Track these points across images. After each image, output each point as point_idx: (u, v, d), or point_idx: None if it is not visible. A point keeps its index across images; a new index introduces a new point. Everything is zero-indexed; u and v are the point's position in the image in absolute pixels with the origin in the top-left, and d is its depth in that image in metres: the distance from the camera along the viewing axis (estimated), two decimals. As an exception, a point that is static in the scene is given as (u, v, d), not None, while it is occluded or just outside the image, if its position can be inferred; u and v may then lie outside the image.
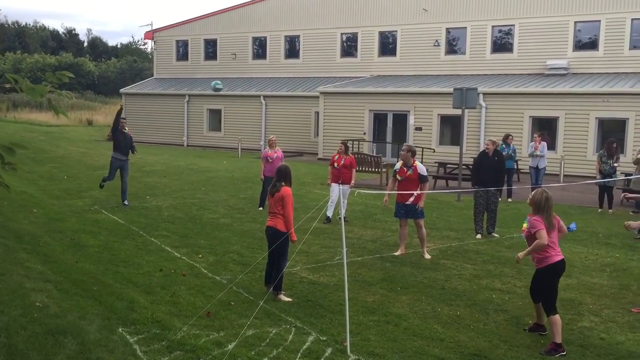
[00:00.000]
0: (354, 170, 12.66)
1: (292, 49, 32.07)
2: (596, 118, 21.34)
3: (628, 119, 20.72)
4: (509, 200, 15.71)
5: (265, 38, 32.56)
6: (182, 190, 16.19)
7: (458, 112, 17.21)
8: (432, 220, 12.51)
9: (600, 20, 24.04)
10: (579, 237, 11.34)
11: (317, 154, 26.85)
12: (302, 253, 9.39)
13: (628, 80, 22.07)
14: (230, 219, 12.51)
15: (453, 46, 27.81)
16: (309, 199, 14.90)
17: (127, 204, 13.46)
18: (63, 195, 14.78)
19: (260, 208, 13.42)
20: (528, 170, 17.25)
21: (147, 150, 27.00)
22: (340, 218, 8.04)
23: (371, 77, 28.65)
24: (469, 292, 7.93)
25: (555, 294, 6.31)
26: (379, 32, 29.22)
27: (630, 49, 23.61)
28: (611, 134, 19.22)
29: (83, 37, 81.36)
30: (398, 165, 9.97)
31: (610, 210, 14.46)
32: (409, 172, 9.66)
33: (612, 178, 14.32)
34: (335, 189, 12.16)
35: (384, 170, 18.58)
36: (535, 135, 17.19)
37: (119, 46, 80.00)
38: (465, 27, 26.91)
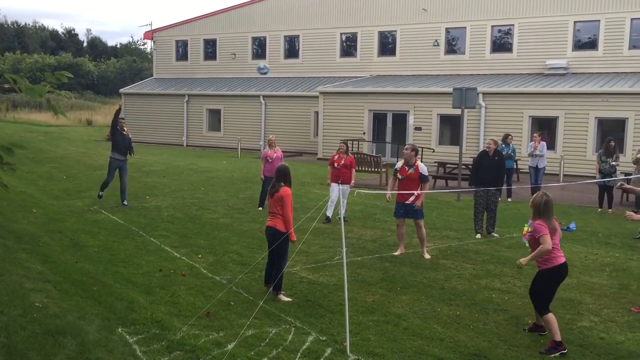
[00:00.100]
0: (353, 170, 12.66)
1: (291, 49, 32.06)
2: (596, 118, 21.34)
3: (627, 118, 20.72)
4: (509, 200, 15.72)
5: (264, 38, 32.55)
6: (181, 190, 16.18)
7: (458, 112, 17.21)
8: (431, 220, 12.51)
9: (599, 20, 24.05)
10: (579, 236, 11.35)
11: (316, 153, 26.83)
12: (302, 253, 9.38)
13: (627, 80, 22.06)
14: (229, 219, 12.50)
15: (452, 46, 27.80)
16: (309, 199, 14.89)
17: (126, 204, 13.46)
18: (62, 195, 14.77)
19: (260, 208, 13.42)
20: (528, 170, 17.27)
21: (146, 150, 26.99)
22: (339, 218, 8.02)
23: (371, 77, 28.64)
24: (468, 292, 7.93)
25: (552, 295, 6.31)
26: (379, 32, 29.21)
27: (629, 48, 23.62)
28: (611, 134, 19.19)
29: (82, 37, 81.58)
30: (399, 164, 9.95)
31: (610, 210, 14.47)
32: (410, 171, 9.65)
33: (611, 178, 14.33)
34: (335, 189, 12.16)
35: (383, 170, 18.57)
36: (534, 135, 17.20)
37: (118, 46, 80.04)
38: (465, 27, 26.91)
